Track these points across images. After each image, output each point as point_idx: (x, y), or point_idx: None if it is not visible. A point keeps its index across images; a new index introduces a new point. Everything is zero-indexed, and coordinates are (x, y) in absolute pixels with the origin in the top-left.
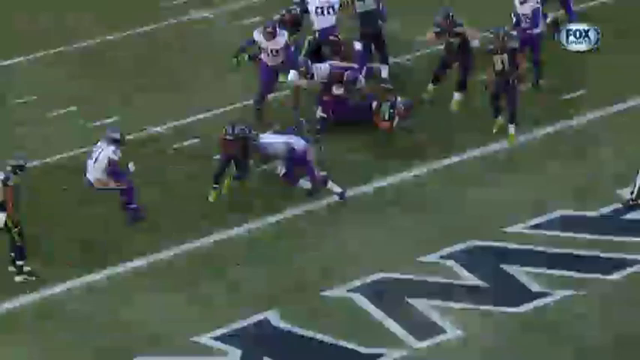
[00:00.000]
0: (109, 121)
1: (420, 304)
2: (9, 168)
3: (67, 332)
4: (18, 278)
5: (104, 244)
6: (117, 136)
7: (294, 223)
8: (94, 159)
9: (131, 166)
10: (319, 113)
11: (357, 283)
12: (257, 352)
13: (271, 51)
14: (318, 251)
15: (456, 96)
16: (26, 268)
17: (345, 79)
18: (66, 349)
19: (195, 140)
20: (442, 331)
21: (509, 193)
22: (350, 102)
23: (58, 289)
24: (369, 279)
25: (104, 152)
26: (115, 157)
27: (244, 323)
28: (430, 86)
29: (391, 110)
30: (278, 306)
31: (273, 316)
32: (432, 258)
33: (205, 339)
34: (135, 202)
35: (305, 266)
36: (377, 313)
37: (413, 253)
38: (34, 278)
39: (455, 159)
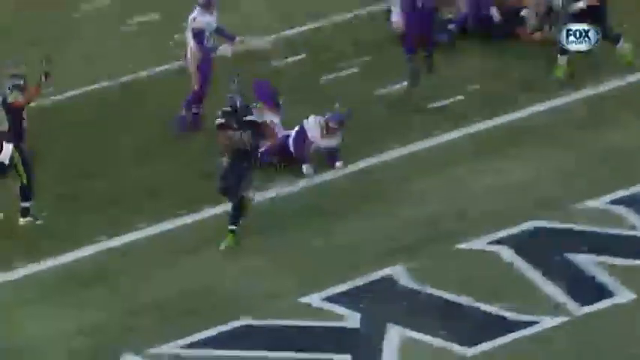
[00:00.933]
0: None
1: (583, 260)
2: (9, 87)
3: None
4: (22, 221)
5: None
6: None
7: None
8: None
9: (224, 48)
10: (450, 26)
11: (502, 233)
12: (378, 315)
13: None
14: (454, 193)
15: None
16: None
17: None
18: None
19: None
20: (611, 294)
21: None
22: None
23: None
24: (516, 229)
25: (191, 16)
26: (196, 25)
27: (362, 281)
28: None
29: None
30: (404, 261)
31: (397, 273)
32: (597, 203)
33: (316, 300)
34: (191, 110)
35: (437, 212)
36: (528, 272)
37: (573, 197)
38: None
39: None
